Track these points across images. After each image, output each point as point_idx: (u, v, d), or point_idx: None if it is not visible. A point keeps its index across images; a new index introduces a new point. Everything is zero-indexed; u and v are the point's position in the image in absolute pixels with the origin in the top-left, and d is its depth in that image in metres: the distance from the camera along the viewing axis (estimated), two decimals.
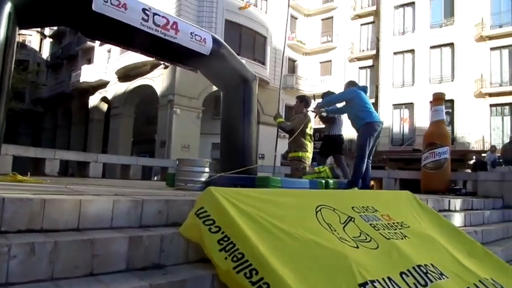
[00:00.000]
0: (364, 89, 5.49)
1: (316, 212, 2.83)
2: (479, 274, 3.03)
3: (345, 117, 5.96)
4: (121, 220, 2.20)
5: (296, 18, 25.58)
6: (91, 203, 2.10)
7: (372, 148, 5.16)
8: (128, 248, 1.97)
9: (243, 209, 2.29)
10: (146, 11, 5.93)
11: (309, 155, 5.37)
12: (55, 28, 30.60)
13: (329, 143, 6.51)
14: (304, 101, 5.64)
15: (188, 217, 2.30)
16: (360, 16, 24.66)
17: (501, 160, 13.46)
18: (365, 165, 5.00)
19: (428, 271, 2.79)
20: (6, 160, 6.26)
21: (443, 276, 2.81)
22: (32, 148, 7.58)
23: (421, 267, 2.79)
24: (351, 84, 5.62)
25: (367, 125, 5.02)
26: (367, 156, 5.00)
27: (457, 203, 5.63)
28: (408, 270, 2.68)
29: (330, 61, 25.45)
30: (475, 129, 19.53)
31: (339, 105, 5.75)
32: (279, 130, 5.91)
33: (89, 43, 23.97)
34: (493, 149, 14.58)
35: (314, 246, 2.27)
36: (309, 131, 5.38)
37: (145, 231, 2.17)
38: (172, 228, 2.30)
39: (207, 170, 4.07)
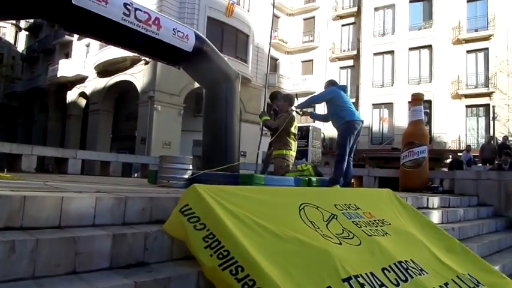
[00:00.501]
0: (344, 88, 5.54)
1: (300, 210, 2.86)
2: (457, 270, 3.12)
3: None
4: (104, 217, 2.15)
5: (278, 17, 25.64)
6: (73, 200, 2.05)
7: (353, 146, 5.20)
8: (111, 246, 1.94)
9: (227, 207, 2.29)
10: (128, 6, 5.83)
11: (293, 153, 5.38)
12: (31, 21, 29.71)
13: None
14: (288, 99, 5.66)
15: (172, 214, 2.28)
16: (341, 17, 24.93)
17: (476, 159, 13.90)
18: (345, 163, 5.04)
19: (409, 267, 2.86)
20: None
21: (423, 272, 2.88)
22: (8, 143, 7.35)
23: (402, 263, 2.85)
24: (331, 83, 5.62)
25: (347, 124, 5.05)
26: (347, 154, 5.04)
27: (435, 200, 5.78)
28: (390, 266, 2.74)
29: (312, 60, 25.64)
30: (452, 129, 20.07)
31: (320, 110, 5.78)
32: (263, 128, 5.90)
33: (67, 37, 23.36)
34: (468, 148, 15.05)
35: (297, 243, 2.28)
36: (293, 129, 5.40)
37: (129, 228, 2.14)
38: (156, 226, 2.27)
39: (190, 167, 4.03)
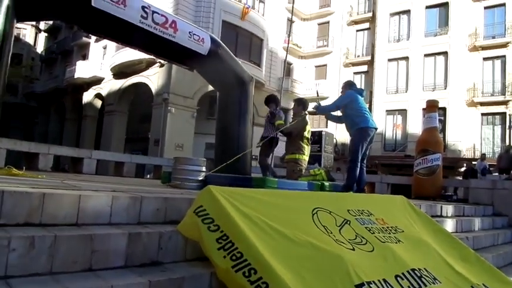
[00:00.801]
0: (361, 91, 5.46)
1: (313, 215, 2.85)
2: (472, 279, 3.07)
3: None
4: (120, 216, 2.19)
5: (293, 22, 25.68)
6: (90, 199, 2.09)
7: (365, 152, 5.17)
8: (126, 245, 1.97)
9: (241, 209, 2.30)
10: (145, 9, 5.93)
11: (306, 157, 5.38)
12: (50, 22, 30.36)
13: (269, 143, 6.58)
14: (301, 103, 5.66)
15: (186, 215, 2.30)
16: (356, 22, 24.83)
17: (492, 168, 13.65)
18: (358, 169, 5.01)
19: (423, 275, 2.82)
20: (0, 154, 6.19)
21: (437, 281, 2.84)
22: (26, 142, 7.50)
23: (416, 271, 2.82)
24: (348, 85, 5.54)
25: (360, 130, 5.03)
26: (360, 160, 5.01)
27: (449, 209, 5.69)
28: (403, 274, 2.71)
29: (325, 65, 25.57)
30: (466, 137, 19.75)
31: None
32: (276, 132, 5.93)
33: (85, 39, 23.80)
34: (483, 157, 14.80)
35: (310, 247, 2.28)
36: (307, 134, 5.40)
37: (144, 228, 2.17)
38: (170, 226, 2.29)
39: (203, 169, 4.06)
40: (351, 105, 5.15)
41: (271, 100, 6.19)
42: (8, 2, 4.52)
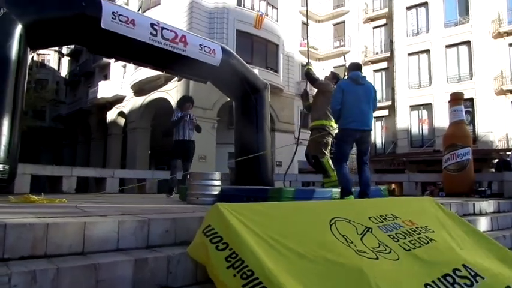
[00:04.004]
0: (354, 76, 4.57)
1: (331, 225, 2.71)
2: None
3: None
4: (127, 241, 2.13)
5: (307, 25, 25.54)
6: (96, 225, 2.04)
7: (361, 152, 4.61)
8: (133, 272, 1.90)
9: (250, 227, 2.19)
10: (154, 26, 5.98)
11: (334, 124, 4.78)
12: (72, 47, 31.40)
13: (176, 148, 6.60)
14: (335, 78, 5.53)
15: (196, 236, 2.22)
16: (372, 19, 24.41)
17: None
18: (344, 170, 4.43)
19: (457, 279, 2.62)
20: (24, 179, 6.33)
21: (477, 278, 2.63)
22: (49, 166, 7.68)
23: (448, 277, 2.62)
24: (349, 69, 4.80)
25: (340, 131, 4.57)
26: (345, 161, 4.48)
27: (482, 205, 5.39)
28: (433, 282, 2.53)
29: (344, 65, 25.17)
30: (498, 127, 18.94)
31: None
32: (299, 137, 5.76)
33: (105, 60, 24.43)
34: None
35: (325, 263, 2.15)
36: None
37: (152, 252, 2.10)
38: (180, 248, 2.22)
39: (218, 183, 3.99)
40: (343, 100, 4.45)
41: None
42: (20, 32, 4.64)
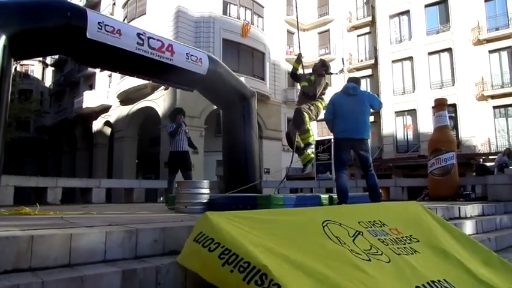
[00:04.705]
0: (347, 89, 4.86)
1: (323, 227, 2.72)
2: (496, 286, 2.88)
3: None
4: (115, 252, 2.10)
5: (293, 33, 25.80)
6: (82, 237, 2.02)
7: (361, 159, 4.84)
8: (121, 283, 1.88)
9: (241, 228, 2.18)
10: (141, 35, 5.96)
11: (321, 106, 5.31)
12: (56, 57, 31.06)
13: (173, 160, 6.76)
14: (325, 66, 5.65)
15: (185, 245, 2.20)
16: (356, 27, 24.81)
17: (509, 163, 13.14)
18: (341, 178, 4.70)
19: (442, 287, 2.66)
20: (8, 191, 6.20)
21: None
22: (34, 177, 7.54)
23: (435, 283, 2.65)
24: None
25: (335, 141, 4.91)
26: (340, 168, 4.78)
27: (467, 209, 5.48)
28: (423, 285, 2.55)
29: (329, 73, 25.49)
30: (480, 131, 19.34)
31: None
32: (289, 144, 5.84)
33: (90, 69, 24.23)
34: (506, 151, 13.94)
35: (321, 265, 2.16)
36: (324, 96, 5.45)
37: (141, 262, 2.08)
38: (169, 258, 2.20)
39: (206, 191, 3.97)
40: (335, 112, 4.80)
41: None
42: (3, 43, 4.57)
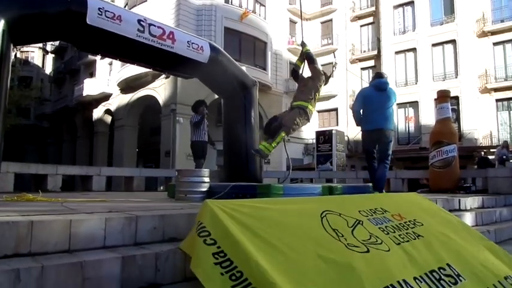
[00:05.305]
0: (377, 84, 5.33)
1: (322, 218, 2.71)
2: (500, 273, 2.87)
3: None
4: (114, 239, 2.09)
5: (295, 23, 25.58)
6: (82, 223, 2.01)
7: (379, 151, 5.30)
8: (120, 269, 1.87)
9: (241, 220, 2.17)
10: (141, 22, 5.89)
11: (313, 110, 5.21)
12: (57, 43, 30.89)
13: (197, 148, 7.07)
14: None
15: (189, 234, 2.19)
16: (359, 17, 24.58)
17: (510, 156, 13.16)
18: (372, 168, 5.30)
19: (442, 276, 2.65)
20: (8, 178, 6.21)
21: (460, 278, 2.66)
22: (34, 164, 7.54)
23: (434, 273, 2.65)
24: (374, 77, 5.68)
25: (362, 133, 5.34)
26: (371, 159, 5.31)
27: (467, 201, 5.47)
28: (421, 277, 2.55)
29: (332, 63, 25.34)
30: (482, 124, 19.29)
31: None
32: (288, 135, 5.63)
33: (90, 57, 24.10)
34: (505, 144, 14.04)
35: (318, 259, 2.15)
36: (320, 91, 5.33)
37: (140, 249, 2.07)
38: (169, 245, 2.19)
39: (207, 180, 3.96)
40: (365, 104, 5.28)
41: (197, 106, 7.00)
42: (2, 27, 4.52)
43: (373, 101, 5.19)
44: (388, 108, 5.20)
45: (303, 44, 5.71)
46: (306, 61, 5.56)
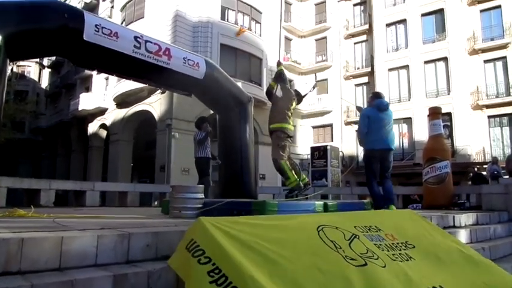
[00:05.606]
0: (379, 105, 5.46)
1: (318, 232, 2.69)
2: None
3: None
4: (106, 256, 2.07)
5: (290, 40, 25.93)
6: (74, 240, 1.99)
7: (382, 168, 5.45)
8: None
9: (236, 235, 2.16)
10: (138, 39, 5.95)
11: (292, 127, 5.15)
12: (53, 58, 30.97)
13: (201, 165, 7.22)
14: (280, 76, 5.53)
15: (177, 249, 2.17)
16: (353, 35, 24.98)
17: (501, 172, 13.25)
18: (373, 185, 5.35)
19: None
20: (0, 192, 6.14)
21: None
22: (27, 179, 7.47)
23: None
24: (372, 97, 5.73)
25: (365, 152, 5.52)
26: (375, 177, 5.40)
27: (461, 218, 5.47)
28: None
29: (326, 79, 25.62)
30: (475, 141, 19.47)
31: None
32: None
33: (87, 71, 24.16)
34: (494, 160, 14.26)
35: (315, 271, 2.13)
36: (292, 110, 5.23)
37: (132, 267, 2.05)
38: (162, 263, 2.17)
39: (201, 196, 3.95)
40: (369, 125, 5.39)
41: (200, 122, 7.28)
42: None
43: (377, 121, 5.36)
44: (392, 128, 5.48)
45: (278, 64, 5.71)
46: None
